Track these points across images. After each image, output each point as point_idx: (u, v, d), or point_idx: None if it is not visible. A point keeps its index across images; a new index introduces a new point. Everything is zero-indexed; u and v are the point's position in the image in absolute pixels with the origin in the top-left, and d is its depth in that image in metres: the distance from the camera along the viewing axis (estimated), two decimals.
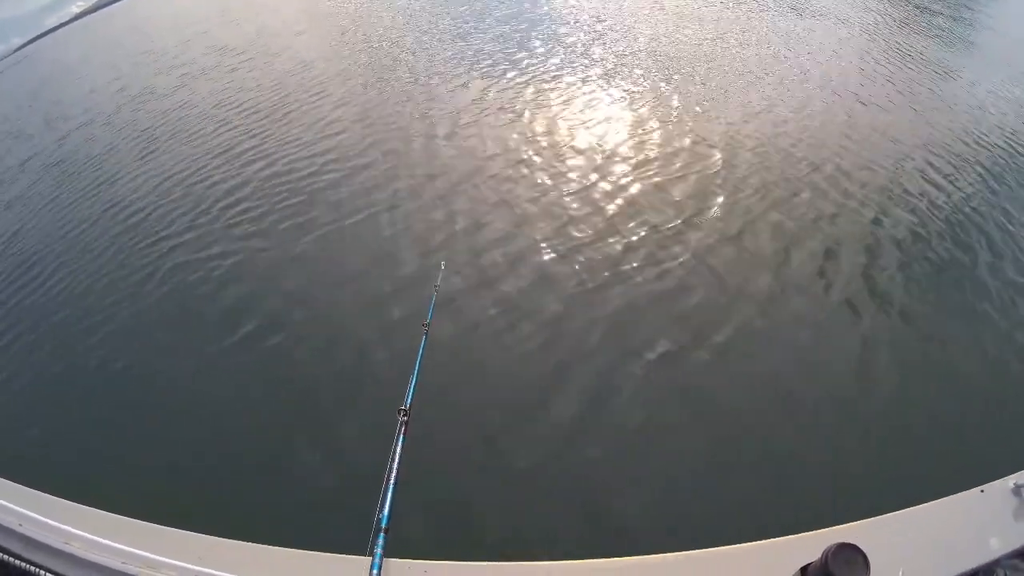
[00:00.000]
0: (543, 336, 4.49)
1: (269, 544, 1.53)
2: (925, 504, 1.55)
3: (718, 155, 6.85)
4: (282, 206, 6.90)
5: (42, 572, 1.49)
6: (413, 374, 2.22)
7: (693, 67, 9.88)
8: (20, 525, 1.60)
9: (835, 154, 6.81)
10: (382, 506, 1.47)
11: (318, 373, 4.43)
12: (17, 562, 1.52)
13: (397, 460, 1.65)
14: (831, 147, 6.97)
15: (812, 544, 1.33)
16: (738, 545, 1.44)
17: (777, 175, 6.39)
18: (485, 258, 5.42)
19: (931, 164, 6.59)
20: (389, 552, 1.38)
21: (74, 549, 1.51)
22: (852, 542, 1.18)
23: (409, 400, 2.03)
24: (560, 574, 1.47)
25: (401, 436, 1.79)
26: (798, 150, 6.93)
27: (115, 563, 1.45)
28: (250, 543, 1.54)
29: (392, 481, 1.55)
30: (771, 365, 4.11)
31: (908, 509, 1.52)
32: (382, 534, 1.35)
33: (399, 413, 1.91)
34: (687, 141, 7.25)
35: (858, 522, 1.46)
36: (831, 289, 4.75)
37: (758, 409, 3.79)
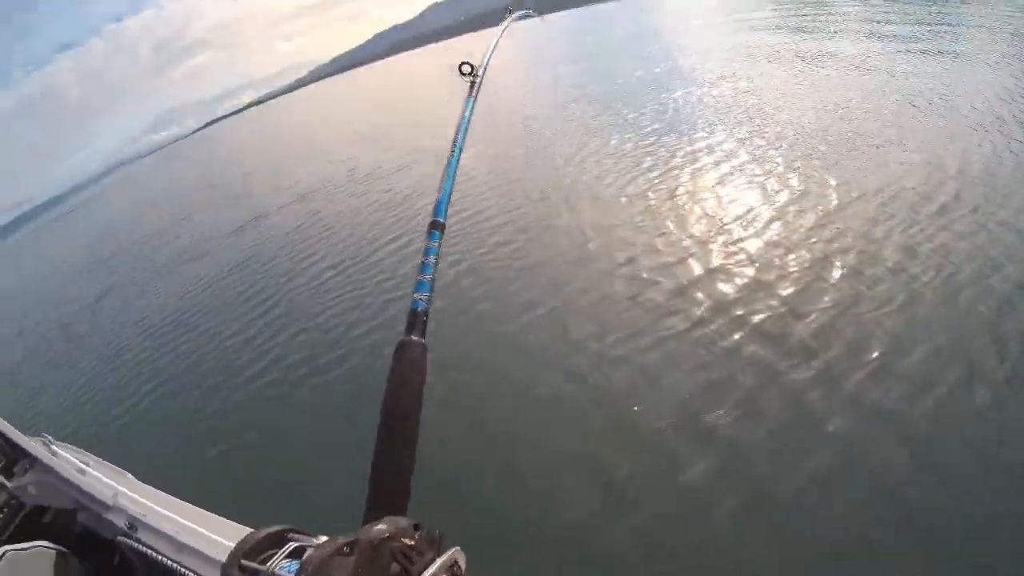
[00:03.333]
0: None
1: None
2: None
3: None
4: None
5: (191, 573, 1.63)
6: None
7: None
8: (177, 532, 1.75)
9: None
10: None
11: None
12: (170, 562, 1.67)
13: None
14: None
15: None
16: None
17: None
18: None
19: None
20: None
21: (216, 553, 1.64)
22: None
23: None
24: None
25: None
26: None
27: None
28: None
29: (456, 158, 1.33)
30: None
31: None
32: (436, 232, 1.09)
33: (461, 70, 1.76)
34: None
35: None
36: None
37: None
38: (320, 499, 3.93)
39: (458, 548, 0.65)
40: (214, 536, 1.71)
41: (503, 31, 2.95)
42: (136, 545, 1.76)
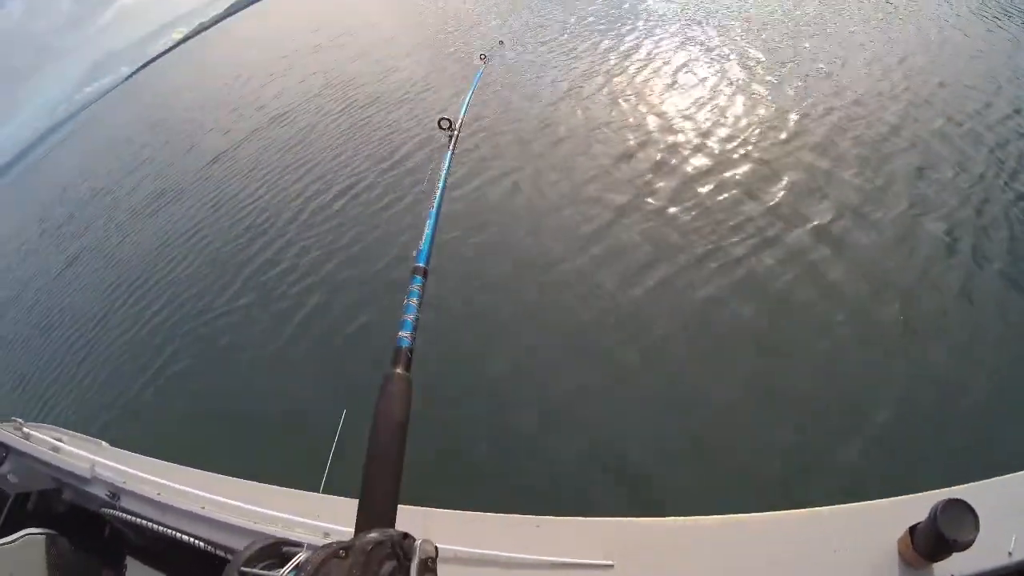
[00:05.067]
0: None
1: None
2: None
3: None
4: None
5: (180, 535, 1.65)
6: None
7: None
8: (158, 494, 1.77)
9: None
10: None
11: None
12: (156, 527, 1.70)
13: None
14: None
15: (921, 505, 1.27)
16: (844, 505, 1.38)
17: None
18: None
19: None
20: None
21: (207, 512, 1.66)
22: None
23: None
24: (632, 528, 1.46)
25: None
26: None
27: (248, 524, 1.58)
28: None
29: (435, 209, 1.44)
30: (882, 321, 3.89)
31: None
32: (418, 276, 1.19)
33: (441, 125, 1.89)
34: None
35: (968, 484, 1.37)
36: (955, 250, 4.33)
37: (865, 366, 3.63)
38: (288, 449, 4.01)
39: (427, 539, 0.72)
40: (195, 491, 1.72)
41: (477, 81, 2.91)
42: (120, 514, 1.79)
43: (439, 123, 1.87)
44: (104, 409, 5.77)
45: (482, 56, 3.60)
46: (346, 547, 0.65)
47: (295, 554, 0.71)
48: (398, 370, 0.93)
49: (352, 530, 1.28)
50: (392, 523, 0.82)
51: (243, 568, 0.69)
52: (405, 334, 1.00)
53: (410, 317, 1.04)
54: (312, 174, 9.76)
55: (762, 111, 6.78)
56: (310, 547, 0.72)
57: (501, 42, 9.87)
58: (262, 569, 0.70)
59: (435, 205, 1.45)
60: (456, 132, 1.90)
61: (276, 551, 0.74)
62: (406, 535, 0.72)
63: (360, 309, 5.53)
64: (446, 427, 3.78)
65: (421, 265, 1.22)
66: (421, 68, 13.57)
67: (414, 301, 1.09)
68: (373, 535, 0.69)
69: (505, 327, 4.66)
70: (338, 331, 5.43)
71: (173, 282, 8.03)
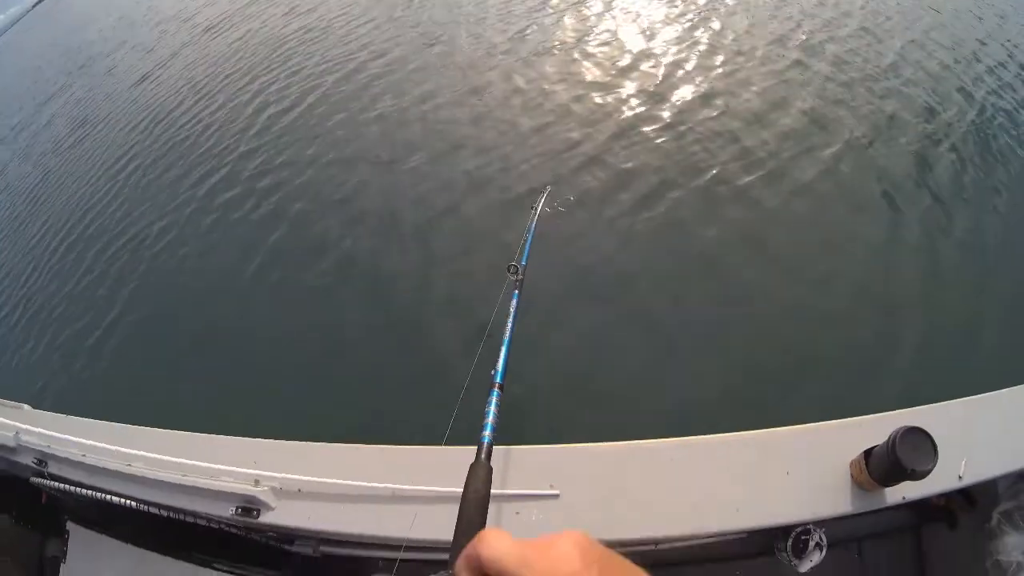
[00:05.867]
0: None
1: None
2: (995, 391, 1.45)
3: None
4: None
5: (108, 497, 1.56)
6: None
7: None
8: (84, 456, 1.66)
9: None
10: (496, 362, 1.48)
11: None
12: (81, 491, 1.60)
13: (511, 318, 1.68)
14: None
15: (875, 428, 1.28)
16: (797, 426, 1.39)
17: None
18: None
19: None
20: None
21: (135, 469, 1.56)
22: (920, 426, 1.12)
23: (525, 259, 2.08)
24: (600, 453, 1.44)
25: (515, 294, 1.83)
26: None
27: (176, 478, 1.50)
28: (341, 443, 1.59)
29: (508, 337, 1.57)
30: (837, 246, 3.90)
31: (976, 396, 1.43)
32: (496, 390, 1.36)
33: (510, 271, 1.95)
34: None
35: (924, 406, 1.38)
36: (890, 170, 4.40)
37: (818, 287, 3.63)
38: (223, 392, 3.79)
39: None
40: (121, 448, 1.61)
41: (536, 214, 2.75)
42: (50, 482, 1.68)
43: (507, 270, 1.99)
44: (38, 370, 5.27)
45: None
46: None
47: None
48: (481, 458, 1.12)
49: (284, 473, 1.45)
50: None
51: None
52: (487, 432, 1.21)
53: (490, 420, 1.25)
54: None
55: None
56: None
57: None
58: None
59: (507, 334, 1.60)
60: (522, 276, 1.98)
61: None
62: None
63: (311, 227, 5.02)
64: None
65: (500, 382, 1.39)
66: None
67: (493, 409, 1.28)
68: None
69: None
70: (293, 249, 4.90)
71: (106, 221, 7.09)
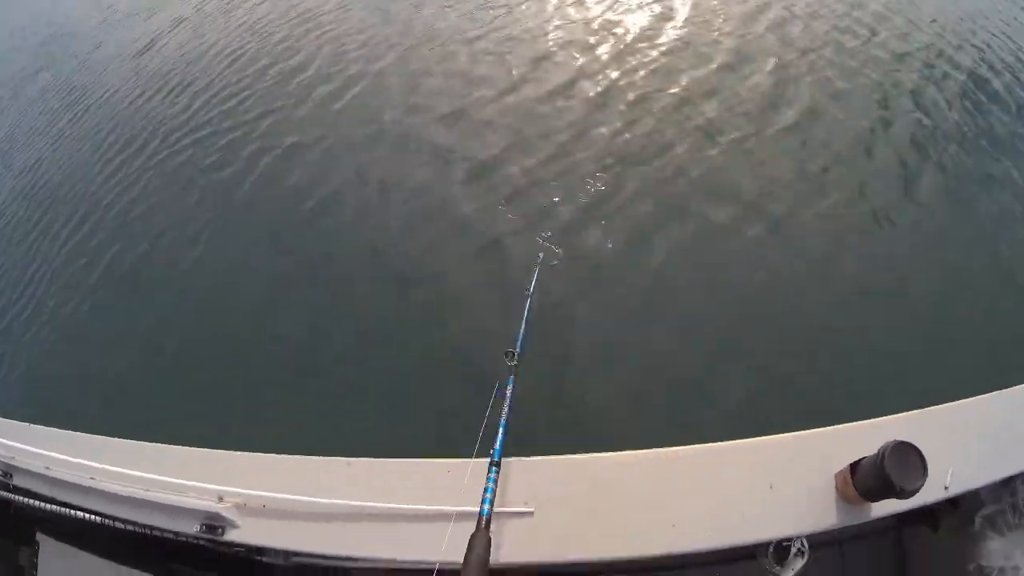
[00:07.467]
0: None
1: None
2: (980, 396, 1.44)
3: None
4: None
5: (73, 512, 1.51)
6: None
7: None
8: (47, 468, 1.60)
9: None
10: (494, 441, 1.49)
11: None
12: (47, 506, 1.55)
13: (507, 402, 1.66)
14: None
15: (860, 436, 1.26)
16: (780, 435, 1.37)
17: None
18: None
19: None
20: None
21: (99, 483, 1.51)
22: (906, 439, 1.09)
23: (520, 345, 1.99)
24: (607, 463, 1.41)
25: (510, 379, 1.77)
26: None
27: (140, 492, 1.45)
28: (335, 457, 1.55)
29: (504, 420, 1.57)
30: (829, 252, 3.83)
31: (960, 401, 1.42)
32: (494, 467, 1.40)
33: (507, 356, 1.89)
34: None
35: (908, 413, 1.36)
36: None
37: (806, 292, 3.61)
38: (192, 404, 3.61)
39: None
40: (85, 461, 1.57)
41: (532, 290, 2.55)
42: (13, 496, 1.63)
43: (504, 356, 1.91)
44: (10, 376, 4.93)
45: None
46: None
47: None
48: (481, 527, 1.22)
49: (249, 490, 1.43)
50: None
51: None
52: (486, 505, 1.27)
53: (489, 495, 1.30)
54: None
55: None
56: None
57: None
58: None
59: (504, 416, 1.59)
60: (519, 360, 1.91)
61: None
62: None
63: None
64: None
65: (497, 459, 1.40)
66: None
67: (492, 485, 1.33)
68: None
69: None
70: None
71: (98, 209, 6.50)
